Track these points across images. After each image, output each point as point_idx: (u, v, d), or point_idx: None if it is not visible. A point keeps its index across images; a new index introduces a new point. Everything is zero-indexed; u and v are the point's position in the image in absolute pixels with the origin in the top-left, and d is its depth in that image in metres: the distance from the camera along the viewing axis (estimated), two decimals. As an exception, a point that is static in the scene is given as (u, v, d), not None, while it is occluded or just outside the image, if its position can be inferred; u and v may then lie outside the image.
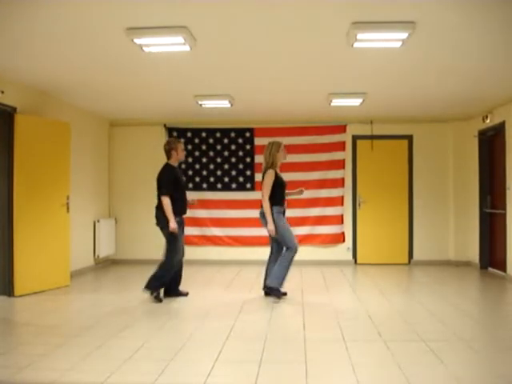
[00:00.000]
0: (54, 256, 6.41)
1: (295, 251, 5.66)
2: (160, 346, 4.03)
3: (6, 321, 5.04)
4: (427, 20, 4.02)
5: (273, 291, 5.69)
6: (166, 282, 5.74)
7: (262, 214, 5.71)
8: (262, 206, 5.70)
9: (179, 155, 5.80)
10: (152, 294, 5.64)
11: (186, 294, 5.98)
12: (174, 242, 5.62)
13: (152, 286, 5.63)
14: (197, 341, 4.16)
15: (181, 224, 5.73)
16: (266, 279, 5.88)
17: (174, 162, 5.80)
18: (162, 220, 5.59)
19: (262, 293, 5.91)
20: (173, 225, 5.47)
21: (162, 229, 5.66)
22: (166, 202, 5.48)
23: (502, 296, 6.28)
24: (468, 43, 4.63)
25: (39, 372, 3.41)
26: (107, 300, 5.86)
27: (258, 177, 8.56)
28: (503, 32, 4.28)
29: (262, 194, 5.65)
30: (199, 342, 4.14)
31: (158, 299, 5.63)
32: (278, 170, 5.79)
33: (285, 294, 5.85)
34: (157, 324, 4.66)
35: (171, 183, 5.59)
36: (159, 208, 5.61)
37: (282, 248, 5.79)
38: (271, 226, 5.59)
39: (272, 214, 5.63)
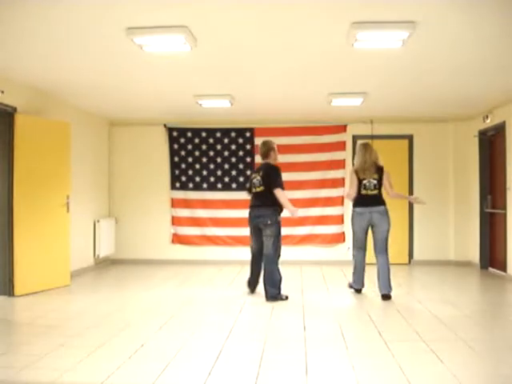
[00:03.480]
0: (54, 256, 6.42)
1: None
2: (160, 345, 4.03)
3: (6, 321, 5.04)
4: (427, 20, 4.02)
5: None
6: (281, 278, 5.71)
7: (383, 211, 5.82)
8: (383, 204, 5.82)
9: (276, 154, 5.94)
10: (282, 299, 5.68)
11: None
12: (279, 237, 5.70)
13: (273, 293, 5.64)
14: (197, 341, 4.16)
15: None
16: None
17: (273, 162, 5.91)
18: (270, 216, 5.62)
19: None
20: (292, 208, 5.62)
21: (267, 225, 5.64)
22: (283, 193, 5.63)
23: (502, 296, 6.28)
24: (468, 43, 4.62)
25: (39, 372, 3.41)
26: (107, 300, 5.86)
27: (258, 177, 8.57)
28: (503, 32, 4.27)
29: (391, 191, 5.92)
30: (199, 342, 4.15)
31: (285, 297, 5.70)
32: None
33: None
34: (157, 324, 4.66)
35: (281, 178, 5.70)
36: (265, 205, 5.66)
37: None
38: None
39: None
